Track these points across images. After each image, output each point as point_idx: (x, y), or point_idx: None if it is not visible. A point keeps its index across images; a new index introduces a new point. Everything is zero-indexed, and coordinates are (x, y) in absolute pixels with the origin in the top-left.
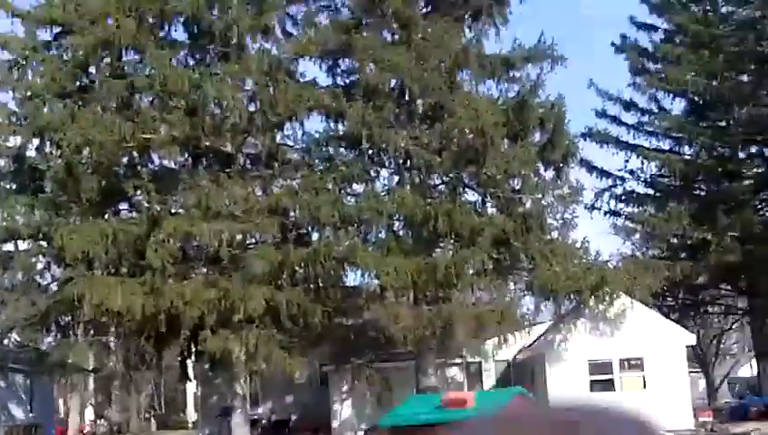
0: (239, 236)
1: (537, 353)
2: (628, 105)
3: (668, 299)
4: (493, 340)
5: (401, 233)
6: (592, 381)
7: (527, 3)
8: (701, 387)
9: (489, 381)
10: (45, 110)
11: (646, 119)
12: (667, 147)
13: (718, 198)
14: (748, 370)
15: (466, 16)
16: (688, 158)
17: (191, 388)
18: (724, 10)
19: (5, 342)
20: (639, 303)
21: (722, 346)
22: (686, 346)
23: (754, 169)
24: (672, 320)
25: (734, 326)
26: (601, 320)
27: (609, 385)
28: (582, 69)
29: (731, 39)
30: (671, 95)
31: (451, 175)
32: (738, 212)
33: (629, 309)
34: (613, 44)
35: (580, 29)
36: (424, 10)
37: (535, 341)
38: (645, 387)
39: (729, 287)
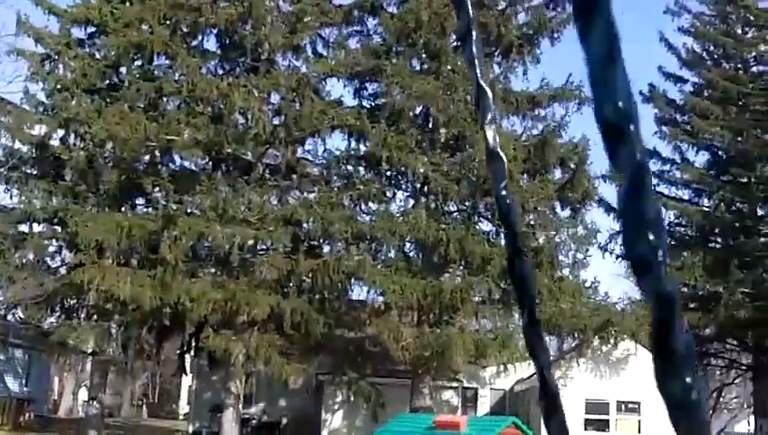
0: (251, 242)
1: (535, 386)
2: (651, 153)
3: None
4: (491, 368)
5: (411, 254)
6: (587, 420)
7: (558, 45)
8: None
9: (484, 407)
10: (73, 103)
11: (667, 168)
12: (686, 197)
13: (733, 252)
14: (745, 426)
15: (497, 52)
16: (707, 210)
17: (186, 381)
18: (754, 69)
19: (9, 317)
20: (643, 347)
21: (721, 399)
22: None
23: None
24: None
25: (735, 381)
26: (602, 361)
27: (603, 425)
28: None
29: (759, 98)
30: (695, 147)
31: (467, 203)
32: (752, 269)
33: (633, 353)
34: (641, 93)
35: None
36: (454, 43)
37: (534, 373)
38: (640, 432)
39: (735, 342)
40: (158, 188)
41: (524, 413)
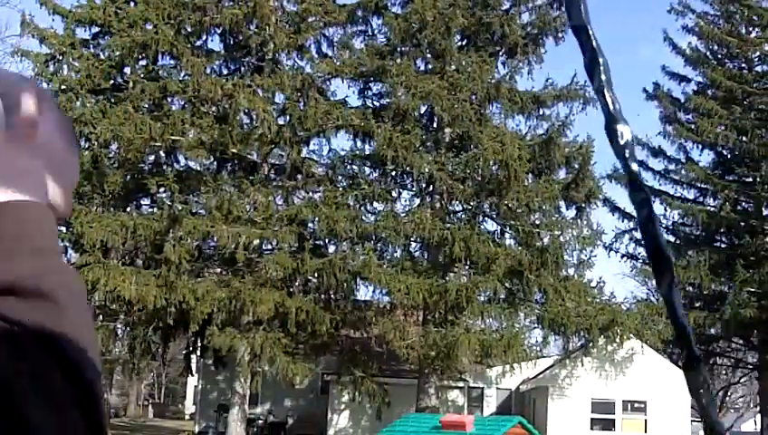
0: (256, 241)
1: (541, 386)
2: (656, 152)
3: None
4: (497, 367)
5: (417, 254)
6: (593, 419)
7: (563, 44)
8: None
9: (490, 407)
10: (78, 103)
11: (672, 167)
12: (691, 196)
13: (738, 251)
14: (751, 425)
15: (501, 52)
16: (712, 209)
17: (192, 381)
18: (759, 69)
19: None
20: (649, 347)
21: (727, 398)
22: None
23: None
24: (680, 368)
25: (742, 380)
26: (608, 360)
27: (609, 425)
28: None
29: (764, 97)
30: (700, 146)
31: (472, 203)
32: (757, 268)
33: (639, 352)
34: (645, 91)
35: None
36: (459, 43)
37: (540, 373)
38: (646, 431)
39: (741, 341)
40: (163, 189)
41: (530, 412)
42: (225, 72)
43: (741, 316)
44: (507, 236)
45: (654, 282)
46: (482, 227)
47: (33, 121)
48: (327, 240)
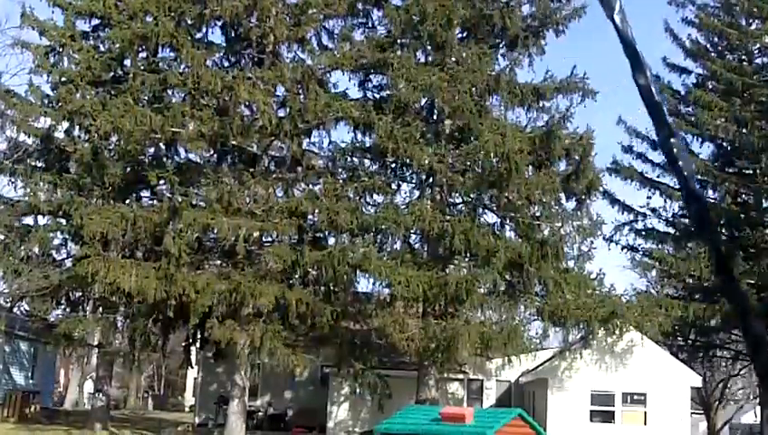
0: (256, 234)
1: (540, 378)
2: (656, 144)
3: (679, 339)
4: (497, 360)
5: (417, 246)
6: (592, 412)
7: (564, 36)
8: (701, 429)
9: (489, 399)
10: (78, 96)
11: None
12: None
13: (738, 243)
14: (751, 417)
15: (502, 45)
16: (712, 201)
17: (192, 373)
18: (758, 61)
19: (15, 310)
20: (649, 339)
21: (727, 390)
22: (691, 387)
23: None
24: (680, 360)
25: (741, 372)
26: (608, 352)
27: (609, 417)
28: (609, 103)
29: (764, 89)
30: (700, 139)
31: (472, 196)
32: (757, 260)
33: (639, 344)
34: None
35: (610, 64)
36: (460, 35)
37: (540, 365)
38: (645, 423)
39: (741, 333)
40: (163, 181)
41: (529, 405)
42: (225, 64)
43: None
44: (507, 228)
45: (653, 274)
46: (482, 219)
47: None
48: (327, 232)
